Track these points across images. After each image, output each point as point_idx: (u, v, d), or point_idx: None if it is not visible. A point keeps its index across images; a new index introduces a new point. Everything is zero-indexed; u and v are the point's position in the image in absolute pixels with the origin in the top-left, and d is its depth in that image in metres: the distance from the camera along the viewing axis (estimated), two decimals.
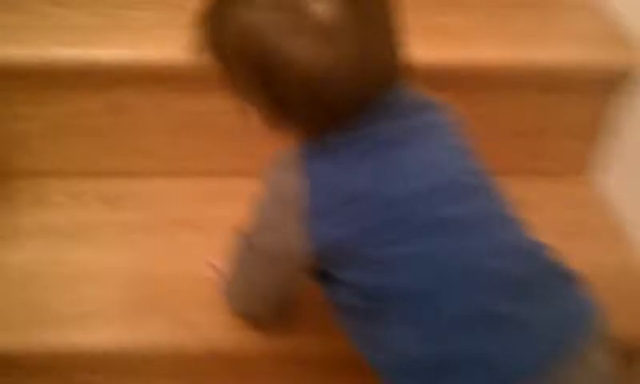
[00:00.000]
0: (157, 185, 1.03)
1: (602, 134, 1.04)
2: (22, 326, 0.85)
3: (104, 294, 0.89)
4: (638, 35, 0.95)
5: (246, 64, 0.63)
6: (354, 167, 0.66)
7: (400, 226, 0.65)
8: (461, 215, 0.66)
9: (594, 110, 1.01)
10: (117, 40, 0.92)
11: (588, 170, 1.08)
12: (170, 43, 0.88)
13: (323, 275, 0.71)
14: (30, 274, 0.91)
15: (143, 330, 0.86)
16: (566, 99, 1.00)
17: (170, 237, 0.96)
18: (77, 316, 0.87)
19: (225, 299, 0.83)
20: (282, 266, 0.72)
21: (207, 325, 0.85)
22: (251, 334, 0.84)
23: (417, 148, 0.68)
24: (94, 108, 0.96)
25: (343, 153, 0.66)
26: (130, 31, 0.93)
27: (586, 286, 0.69)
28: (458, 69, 0.94)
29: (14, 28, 0.93)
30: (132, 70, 0.92)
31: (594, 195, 1.06)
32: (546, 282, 0.67)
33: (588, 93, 0.99)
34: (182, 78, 0.93)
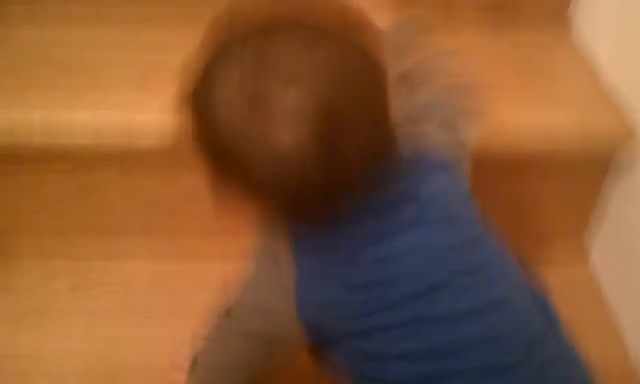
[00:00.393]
0: (130, 268, 0.99)
1: (595, 217, 0.99)
2: None
3: None
4: (634, 106, 0.90)
5: (212, 154, 0.60)
6: (336, 262, 0.64)
7: (386, 323, 0.63)
8: (452, 311, 0.63)
9: (588, 190, 0.97)
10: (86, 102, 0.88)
11: (584, 254, 1.03)
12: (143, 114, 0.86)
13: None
14: None
15: None
16: (559, 181, 0.96)
17: (136, 328, 0.91)
18: None
19: None
20: (268, 348, 0.69)
21: None
22: None
23: (406, 238, 0.63)
24: (67, 189, 0.93)
25: (325, 246, 0.64)
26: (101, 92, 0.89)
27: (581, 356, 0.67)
28: None
29: None
30: (106, 154, 0.89)
31: (588, 282, 1.00)
32: (543, 361, 0.64)
33: (582, 173, 0.95)
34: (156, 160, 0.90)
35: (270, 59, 0.56)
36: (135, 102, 0.87)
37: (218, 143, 0.58)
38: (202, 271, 0.95)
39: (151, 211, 0.96)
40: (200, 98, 0.59)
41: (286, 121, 0.55)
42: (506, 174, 0.94)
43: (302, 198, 0.59)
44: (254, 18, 0.58)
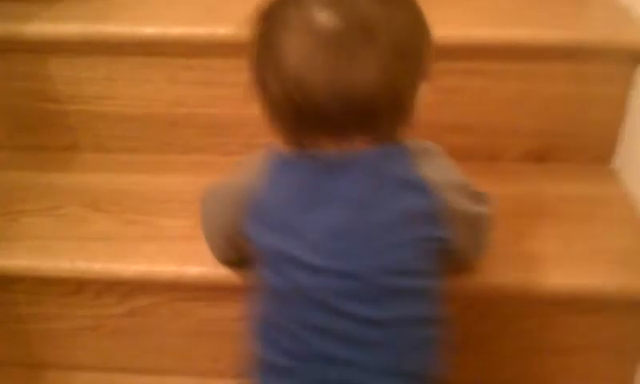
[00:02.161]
0: None
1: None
2: None
3: None
4: None
5: (255, 46, 0.71)
6: (289, 195, 0.72)
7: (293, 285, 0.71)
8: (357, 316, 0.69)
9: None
10: (144, 252, 0.95)
11: None
12: (194, 257, 0.93)
13: None
14: None
15: None
16: (605, 320, 0.95)
17: None
18: None
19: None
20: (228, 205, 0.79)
21: None
22: None
23: (362, 215, 0.70)
24: (118, 312, 0.99)
25: (292, 175, 0.72)
26: (159, 243, 0.96)
27: None
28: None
29: (48, 237, 0.98)
30: (156, 282, 0.95)
31: None
32: None
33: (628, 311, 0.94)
34: (200, 289, 0.96)
35: None
36: (187, 252, 0.95)
37: (267, 21, 0.70)
38: None
39: (197, 332, 1.01)
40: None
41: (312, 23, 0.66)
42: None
43: (306, 96, 0.66)
44: None
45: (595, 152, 1.09)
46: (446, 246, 0.74)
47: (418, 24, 0.70)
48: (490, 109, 1.06)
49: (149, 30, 1.04)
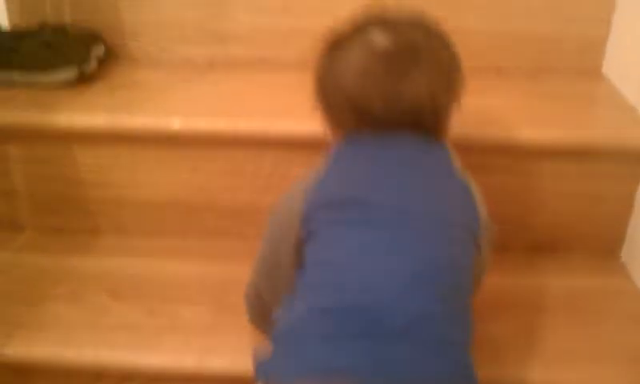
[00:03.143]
0: None
1: None
2: None
3: None
4: None
5: (320, 68, 0.85)
6: (348, 169, 0.81)
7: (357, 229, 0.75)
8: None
9: None
10: (165, 344, 0.96)
11: None
12: (214, 349, 0.95)
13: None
14: None
15: None
16: None
17: None
18: None
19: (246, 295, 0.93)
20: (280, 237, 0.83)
21: None
22: None
23: (417, 179, 0.80)
24: None
25: (350, 155, 0.82)
26: (180, 333, 0.98)
27: None
28: None
29: (70, 326, 1.00)
30: (176, 374, 0.96)
31: None
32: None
33: None
34: (220, 381, 0.96)
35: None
36: (208, 344, 0.96)
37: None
38: None
39: None
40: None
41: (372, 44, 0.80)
42: None
43: (362, 101, 0.79)
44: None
45: (603, 245, 1.13)
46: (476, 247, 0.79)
47: (452, 56, 0.84)
48: (501, 202, 1.08)
49: (173, 123, 1.08)
